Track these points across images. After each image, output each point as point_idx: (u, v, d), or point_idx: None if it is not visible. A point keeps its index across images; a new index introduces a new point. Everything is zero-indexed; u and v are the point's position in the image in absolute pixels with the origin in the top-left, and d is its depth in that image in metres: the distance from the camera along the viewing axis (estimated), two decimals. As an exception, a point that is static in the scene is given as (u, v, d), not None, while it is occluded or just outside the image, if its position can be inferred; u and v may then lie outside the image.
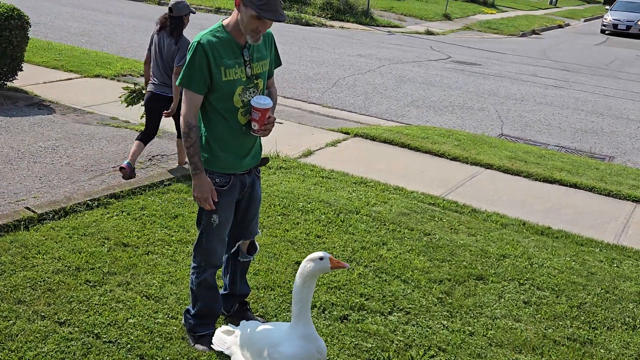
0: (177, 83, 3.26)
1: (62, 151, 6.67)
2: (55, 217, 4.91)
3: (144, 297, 3.92)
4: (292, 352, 2.87)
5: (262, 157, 3.58)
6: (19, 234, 4.57)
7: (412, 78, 13.48)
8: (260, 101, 3.20)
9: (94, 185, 5.85)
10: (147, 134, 6.41)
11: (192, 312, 3.55)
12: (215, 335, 3.35)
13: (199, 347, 3.48)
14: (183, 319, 3.63)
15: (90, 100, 8.86)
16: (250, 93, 3.27)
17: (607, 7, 33.46)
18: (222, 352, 3.29)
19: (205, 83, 3.16)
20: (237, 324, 3.34)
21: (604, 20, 29.98)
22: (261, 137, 3.48)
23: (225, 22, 3.25)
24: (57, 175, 6.02)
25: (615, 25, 29.12)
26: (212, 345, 3.34)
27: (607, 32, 29.37)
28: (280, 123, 9.52)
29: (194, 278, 3.50)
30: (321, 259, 2.92)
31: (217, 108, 3.24)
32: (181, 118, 3.20)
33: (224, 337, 3.28)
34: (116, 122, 7.99)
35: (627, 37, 28.48)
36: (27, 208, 4.92)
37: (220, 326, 3.45)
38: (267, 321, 3.82)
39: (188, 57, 3.17)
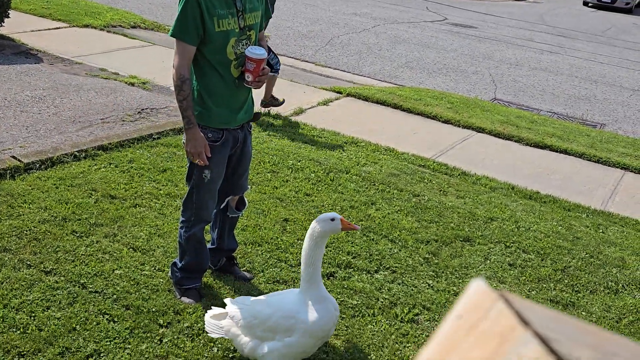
0: (169, 34, 3.18)
1: (49, 101, 6.57)
2: (42, 167, 4.86)
3: (130, 249, 3.91)
4: (316, 316, 2.77)
5: (254, 112, 3.53)
6: (5, 183, 4.53)
7: (406, 39, 13.33)
8: (255, 51, 3.15)
9: (81, 136, 5.78)
10: None
11: (179, 265, 3.55)
12: (206, 322, 3.06)
13: (185, 299, 3.49)
14: (170, 272, 3.64)
15: (78, 50, 8.70)
16: (243, 45, 3.22)
17: None
18: (217, 327, 3.03)
19: (198, 34, 3.09)
20: (222, 297, 3.29)
21: None
22: (252, 93, 3.44)
23: None
24: (44, 125, 5.94)
25: None
26: (208, 334, 3.05)
27: (590, 4, 26.35)
28: (272, 74, 9.43)
29: (182, 232, 3.49)
30: (332, 220, 2.82)
31: (210, 60, 3.17)
32: (173, 70, 3.13)
33: (217, 323, 3.00)
34: (105, 74, 7.86)
35: (612, 10, 25.63)
36: (13, 157, 4.87)
37: (208, 310, 3.16)
38: (254, 276, 3.83)
39: (180, 7, 3.09)
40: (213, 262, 3.80)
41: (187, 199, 3.45)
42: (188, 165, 3.39)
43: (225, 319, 2.98)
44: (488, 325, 0.45)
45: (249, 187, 3.78)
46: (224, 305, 3.12)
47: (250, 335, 2.85)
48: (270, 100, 7.10)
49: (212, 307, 3.18)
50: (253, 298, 3.03)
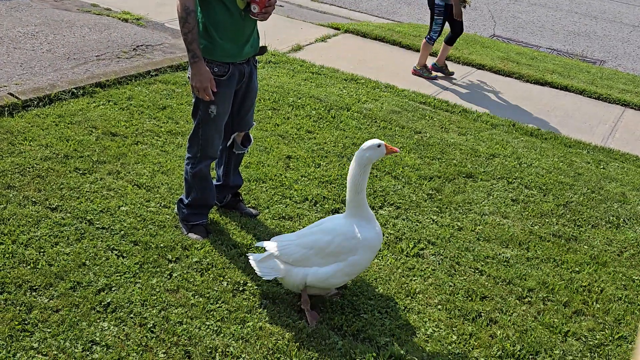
0: None
1: (42, 37, 6.42)
2: (40, 104, 4.78)
3: (135, 186, 3.89)
4: (373, 233, 2.95)
5: (260, 46, 3.45)
6: (4, 120, 4.46)
7: (404, -26, 13.00)
8: None
9: (77, 73, 5.67)
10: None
11: (186, 201, 3.54)
12: (257, 267, 3.00)
13: (192, 235, 3.49)
14: (176, 208, 3.63)
15: (69, -15, 8.43)
16: None
17: None
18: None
19: None
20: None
21: None
22: (258, 26, 3.35)
23: None
24: (38, 62, 5.81)
25: None
26: (263, 277, 3.01)
27: None
28: (281, 6, 9.22)
29: (188, 168, 3.46)
30: (378, 146, 2.92)
31: None
32: (177, 2, 3.03)
33: (269, 264, 3.00)
34: (97, 10, 7.66)
35: None
36: (11, 94, 4.78)
37: (250, 252, 3.21)
38: (259, 212, 3.83)
39: None
40: (219, 199, 3.79)
41: (193, 135, 3.41)
42: (194, 100, 3.33)
43: (276, 260, 3.00)
44: None
45: (254, 123, 3.73)
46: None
47: (308, 265, 2.94)
48: (442, 67, 7.18)
49: (248, 253, 3.20)
50: (296, 233, 3.08)
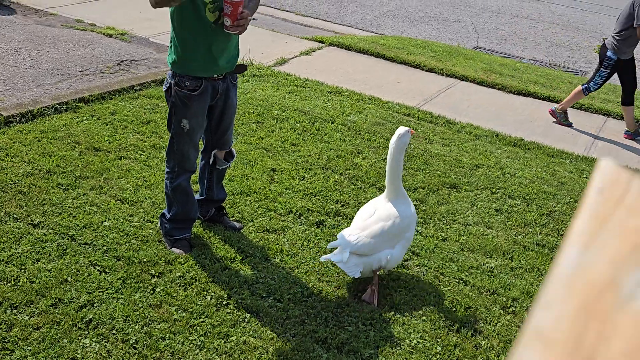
0: None
1: (25, 53, 6.40)
2: (23, 120, 4.76)
3: (118, 201, 3.88)
4: (413, 208, 3.46)
5: (239, 64, 3.45)
6: (-15, 137, 4.43)
7: (388, -13, 13.11)
8: None
9: (60, 89, 5.65)
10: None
11: (168, 216, 3.53)
12: (346, 269, 3.21)
13: (176, 250, 3.48)
14: (159, 223, 3.62)
15: (53, 1, 8.43)
16: None
17: None
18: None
19: None
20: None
21: None
22: (238, 46, 3.37)
23: None
24: (21, 78, 5.79)
25: None
26: (352, 275, 3.22)
27: None
28: (254, 19, 9.25)
29: (168, 183, 3.46)
30: (407, 131, 3.33)
31: (184, 4, 3.05)
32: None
33: (354, 261, 3.22)
34: (81, 25, 7.65)
35: None
36: (-7, 110, 4.75)
37: (324, 256, 3.36)
38: (243, 225, 3.83)
39: None
40: (202, 213, 3.78)
41: (169, 149, 3.42)
42: (168, 113, 3.33)
43: (352, 257, 3.23)
44: (635, 199, 0.44)
45: (234, 138, 3.74)
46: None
47: (380, 250, 3.27)
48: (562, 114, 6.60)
49: (323, 257, 3.34)
50: (357, 226, 3.34)
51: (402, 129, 3.33)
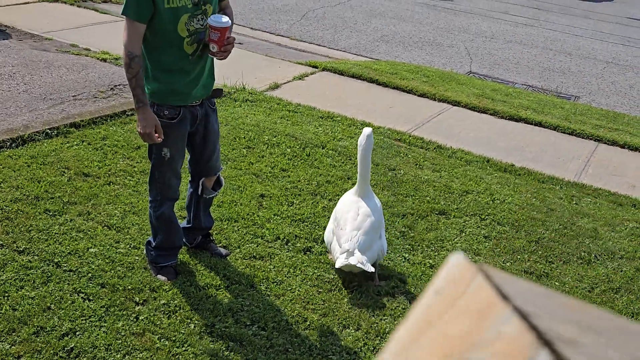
0: (121, 12, 3.02)
1: (19, 78, 6.43)
2: (13, 145, 4.77)
3: (105, 227, 3.87)
4: (378, 200, 3.87)
5: (215, 88, 3.47)
6: (-25, 162, 4.44)
7: (382, 12, 13.25)
8: (219, 20, 3.08)
9: (53, 114, 5.67)
10: None
11: (154, 243, 3.53)
12: (358, 264, 3.48)
13: (161, 277, 3.47)
14: (145, 250, 3.61)
15: (48, 25, 8.51)
16: (198, 21, 3.14)
17: None
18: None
19: (149, 10, 2.99)
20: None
21: None
22: (213, 70, 3.39)
23: None
24: (14, 103, 5.81)
25: None
26: (371, 270, 3.54)
27: None
28: (240, 43, 9.32)
29: (152, 212, 3.47)
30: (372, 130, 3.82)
31: (161, 37, 3.09)
32: (122, 48, 3.03)
33: (360, 258, 3.52)
34: (76, 50, 7.70)
35: None
36: (-17, 135, 4.77)
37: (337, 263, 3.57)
38: (230, 252, 3.82)
39: None
40: (189, 240, 3.78)
41: (151, 178, 3.42)
42: (148, 153, 3.35)
43: (356, 253, 3.52)
44: (467, 301, 0.44)
45: (222, 167, 3.75)
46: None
47: (373, 243, 3.63)
48: None
49: (337, 264, 3.56)
50: (351, 226, 3.61)
51: (367, 130, 3.73)
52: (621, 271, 4.25)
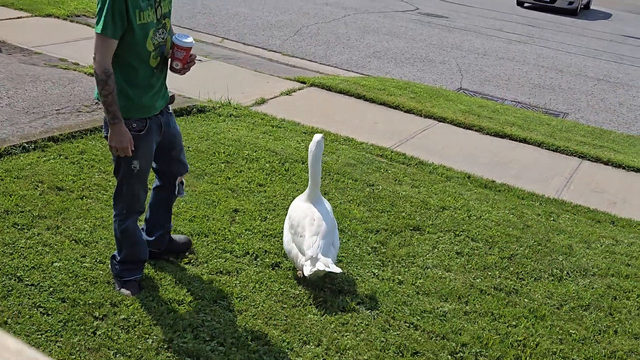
0: (96, 31, 3.04)
1: (3, 92, 6.47)
2: (-11, 159, 4.79)
3: (72, 241, 3.88)
4: (328, 203, 4.03)
5: (169, 95, 3.57)
6: (-52, 175, 4.45)
7: (376, 29, 13.32)
8: (184, 39, 3.22)
9: (34, 127, 5.70)
10: None
11: (118, 258, 3.53)
12: (334, 268, 3.61)
13: (124, 291, 3.47)
14: (110, 265, 3.61)
15: (39, 40, 8.57)
16: (160, 34, 3.23)
17: None
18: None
19: (123, 28, 3.05)
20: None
21: None
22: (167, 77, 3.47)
23: None
24: (-4, 117, 5.85)
25: None
26: (339, 271, 3.63)
27: (525, 4, 20.36)
28: (200, 60, 9.37)
29: (116, 226, 3.48)
30: (322, 137, 3.93)
31: (130, 53, 3.13)
32: (96, 66, 3.05)
33: (327, 261, 3.62)
34: (65, 64, 7.75)
35: (551, 12, 19.66)
36: (-41, 149, 4.79)
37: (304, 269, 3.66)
38: (191, 240, 3.83)
39: (107, 1, 2.98)
40: (158, 246, 3.81)
41: (117, 192, 3.44)
42: (115, 158, 3.36)
43: (322, 259, 3.62)
44: None
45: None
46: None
47: (331, 243, 3.78)
48: None
49: (304, 270, 3.64)
50: (310, 232, 3.71)
51: (317, 136, 3.86)
52: (592, 288, 4.23)
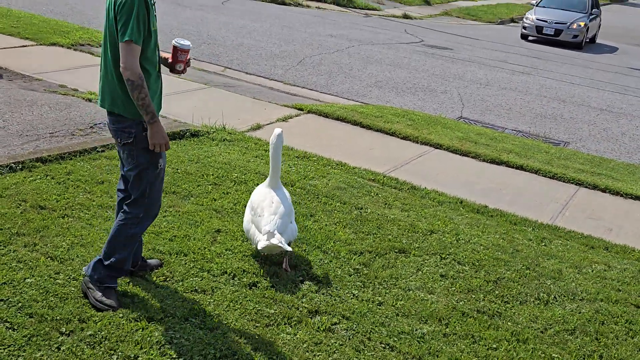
0: (126, 38, 3.15)
1: (-1, 115, 6.53)
2: (-26, 178, 4.80)
3: (48, 259, 3.84)
4: (287, 192, 4.44)
5: None
6: None
7: (379, 59, 13.40)
8: (184, 42, 3.55)
9: (25, 149, 5.73)
10: None
11: (106, 262, 3.51)
12: (284, 245, 3.99)
13: (106, 300, 3.43)
14: (90, 270, 3.51)
15: (41, 67, 8.69)
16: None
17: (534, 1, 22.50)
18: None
19: (144, 34, 3.27)
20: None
21: (526, 21, 20.27)
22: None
23: None
24: (-12, 139, 5.89)
25: (539, 29, 19.76)
26: (288, 249, 4.01)
27: (529, 37, 20.28)
28: (231, 87, 9.45)
29: (126, 229, 3.48)
30: (281, 131, 4.31)
31: (146, 58, 3.32)
32: (129, 73, 3.17)
33: (280, 238, 4.01)
34: (64, 90, 7.84)
35: (556, 45, 19.58)
36: (-55, 168, 4.81)
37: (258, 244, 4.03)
38: (162, 262, 3.79)
39: (132, 9, 3.16)
40: (133, 262, 3.77)
41: (139, 197, 3.47)
42: (135, 173, 3.41)
43: (277, 235, 4.02)
44: None
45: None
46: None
47: (287, 225, 4.17)
48: None
49: (258, 245, 4.02)
50: (268, 211, 4.13)
51: (277, 130, 4.27)
52: (579, 312, 4.11)
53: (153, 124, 3.30)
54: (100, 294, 3.46)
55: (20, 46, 9.76)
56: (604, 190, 6.83)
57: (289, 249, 4.02)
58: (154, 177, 3.46)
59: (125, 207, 3.52)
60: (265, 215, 4.11)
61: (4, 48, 9.46)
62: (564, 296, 4.31)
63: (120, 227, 3.50)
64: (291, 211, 4.28)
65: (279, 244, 3.96)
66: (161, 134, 3.32)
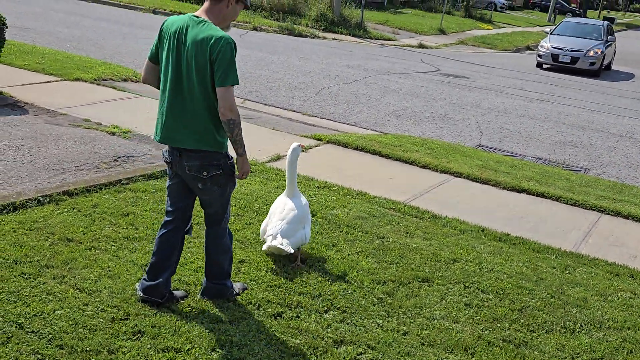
0: (229, 84, 3.39)
1: (26, 150, 6.68)
2: (4, 211, 4.90)
3: (77, 290, 3.90)
4: (305, 199, 4.81)
5: None
6: (-37, 227, 4.56)
7: (396, 89, 13.51)
8: None
9: (52, 183, 5.84)
10: None
11: (229, 270, 4.05)
12: (286, 247, 4.44)
13: (239, 285, 4.16)
14: (220, 290, 3.99)
15: (65, 102, 8.88)
16: None
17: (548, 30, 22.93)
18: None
19: None
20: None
21: (540, 49, 20.46)
22: None
23: (213, 21, 3.50)
24: (16, 173, 6.02)
25: (555, 57, 19.93)
26: (290, 251, 4.46)
27: (544, 65, 20.49)
28: (250, 118, 9.55)
29: (227, 238, 3.95)
30: (298, 146, 4.69)
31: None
32: (234, 115, 3.42)
33: (281, 240, 4.48)
34: (88, 124, 8.00)
35: (572, 73, 19.72)
36: (-24, 202, 4.92)
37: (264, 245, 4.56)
38: (187, 293, 3.81)
39: (231, 54, 3.39)
40: (163, 293, 3.83)
41: (220, 214, 3.87)
42: (219, 196, 3.75)
43: (278, 238, 4.49)
44: None
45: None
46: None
47: (296, 231, 4.56)
48: None
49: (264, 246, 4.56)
50: (280, 218, 4.59)
51: (294, 144, 4.66)
52: (607, 341, 4.07)
53: (242, 156, 3.66)
54: (236, 289, 4.10)
55: (45, 82, 9.99)
56: (626, 217, 6.79)
57: (291, 251, 4.43)
58: (229, 196, 3.85)
59: (212, 227, 3.91)
60: (274, 220, 4.59)
61: (30, 84, 9.70)
62: (590, 324, 4.28)
63: (221, 239, 3.93)
64: (304, 218, 4.64)
65: (279, 246, 4.40)
66: (248, 163, 3.73)
